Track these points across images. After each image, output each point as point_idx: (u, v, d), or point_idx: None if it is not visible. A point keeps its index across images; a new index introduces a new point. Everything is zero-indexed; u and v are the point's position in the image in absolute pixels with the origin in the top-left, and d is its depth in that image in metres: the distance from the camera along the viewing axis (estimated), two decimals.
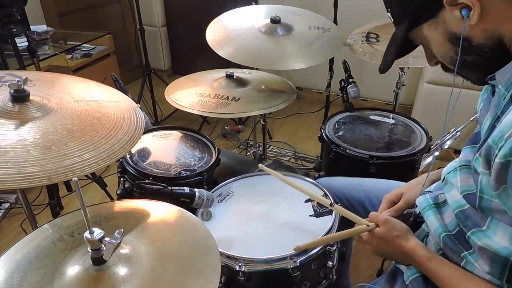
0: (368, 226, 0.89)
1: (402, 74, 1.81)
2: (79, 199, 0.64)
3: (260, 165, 1.10)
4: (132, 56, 3.47)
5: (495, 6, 0.63)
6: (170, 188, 1.04)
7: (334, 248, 0.99)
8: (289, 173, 1.23)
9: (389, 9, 0.76)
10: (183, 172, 1.23)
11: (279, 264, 0.92)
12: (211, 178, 1.28)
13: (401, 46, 0.76)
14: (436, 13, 0.68)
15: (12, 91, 0.85)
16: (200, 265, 0.72)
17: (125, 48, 3.37)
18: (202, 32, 1.51)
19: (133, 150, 1.33)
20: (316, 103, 3.07)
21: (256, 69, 1.74)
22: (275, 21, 1.51)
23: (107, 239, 0.67)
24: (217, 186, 1.20)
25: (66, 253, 0.74)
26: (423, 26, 0.72)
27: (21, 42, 1.80)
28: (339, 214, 1.05)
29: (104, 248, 0.67)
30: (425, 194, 0.93)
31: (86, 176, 1.99)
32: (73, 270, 0.70)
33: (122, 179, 1.15)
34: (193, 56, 3.34)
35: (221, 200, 1.14)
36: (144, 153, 1.34)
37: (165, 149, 1.38)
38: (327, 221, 1.03)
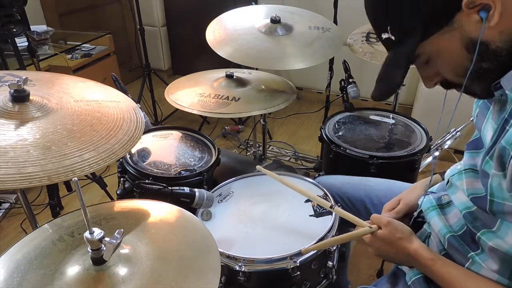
0: (370, 228, 0.88)
1: None
2: (79, 199, 0.64)
3: (258, 167, 1.09)
4: (132, 56, 3.47)
5: None
6: (170, 188, 1.04)
7: (334, 248, 0.99)
8: (288, 173, 1.23)
9: (388, 28, 0.69)
10: (183, 172, 1.23)
11: (279, 264, 0.92)
12: (211, 178, 1.28)
13: (408, 64, 0.70)
14: (451, 18, 0.63)
15: (12, 91, 0.85)
16: (200, 265, 0.72)
17: (125, 48, 3.37)
18: (202, 32, 1.51)
19: (133, 150, 1.33)
20: (316, 103, 3.08)
21: (256, 69, 1.74)
22: (275, 21, 1.51)
23: (107, 239, 0.67)
24: (217, 186, 1.20)
25: (66, 253, 0.74)
26: (435, 36, 0.65)
27: (21, 42, 1.80)
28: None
29: (104, 248, 0.67)
30: (428, 195, 0.93)
31: (86, 176, 1.99)
32: (73, 270, 0.70)
33: (122, 179, 1.15)
34: (193, 56, 3.34)
35: (221, 200, 1.14)
36: (144, 153, 1.34)
37: (165, 149, 1.38)
38: (327, 221, 1.03)
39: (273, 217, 1.07)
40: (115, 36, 2.73)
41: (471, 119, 2.16)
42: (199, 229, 0.81)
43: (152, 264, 0.70)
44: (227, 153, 1.76)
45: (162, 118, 2.89)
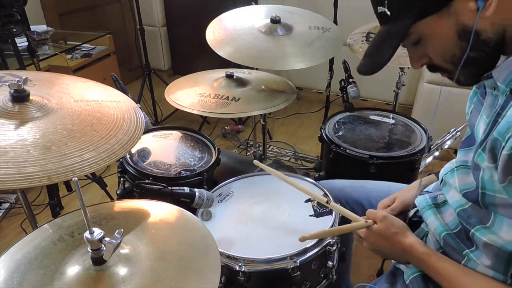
0: (366, 222, 0.89)
1: (402, 74, 1.81)
2: (79, 199, 0.64)
3: (255, 161, 1.09)
4: (132, 56, 3.47)
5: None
6: (170, 188, 1.04)
7: (334, 248, 0.99)
8: (288, 173, 1.23)
9: (385, 1, 0.68)
10: (183, 172, 1.23)
11: (279, 264, 0.92)
12: (211, 178, 1.28)
13: (400, 42, 0.70)
14: (448, 2, 0.64)
15: (12, 91, 0.85)
16: (200, 265, 0.72)
17: (125, 48, 3.37)
18: (202, 32, 1.51)
19: (133, 150, 1.33)
20: (316, 103, 3.08)
21: (256, 69, 1.74)
22: (275, 21, 1.51)
23: (107, 239, 0.67)
24: (217, 186, 1.20)
25: (66, 253, 0.74)
26: (428, 19, 0.66)
27: (21, 42, 1.80)
28: (339, 214, 1.05)
29: (104, 248, 0.67)
30: (423, 194, 0.93)
31: (86, 176, 1.99)
32: (73, 270, 0.70)
33: (122, 179, 1.15)
34: (193, 56, 3.34)
35: (221, 200, 1.14)
36: (144, 153, 1.34)
37: (165, 149, 1.38)
38: (327, 221, 1.03)
39: (273, 217, 1.07)
40: (115, 36, 2.73)
41: None
42: (199, 229, 0.81)
43: (152, 264, 0.70)
44: (227, 153, 1.76)
45: (162, 118, 2.89)
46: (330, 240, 0.98)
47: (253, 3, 1.78)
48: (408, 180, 1.16)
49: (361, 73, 0.76)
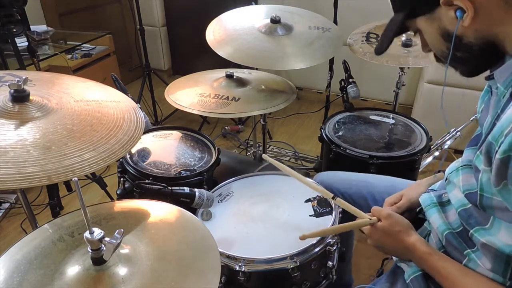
0: (370, 219, 0.89)
1: (402, 74, 1.81)
2: (79, 199, 0.64)
3: (264, 155, 1.11)
4: (132, 56, 3.47)
5: (489, 10, 0.65)
6: (170, 188, 1.04)
7: (334, 248, 0.99)
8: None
9: None
10: (183, 172, 1.23)
11: (279, 264, 0.92)
12: (211, 178, 1.28)
13: (397, 31, 0.79)
14: (433, 9, 0.71)
15: (12, 91, 0.85)
16: (200, 265, 0.72)
17: (125, 48, 3.37)
18: (202, 32, 1.51)
19: (133, 150, 1.33)
20: (316, 103, 3.07)
21: (256, 69, 1.74)
22: (275, 21, 1.51)
23: (107, 239, 0.67)
24: (217, 186, 1.20)
25: (66, 253, 0.74)
26: (419, 18, 0.74)
27: (21, 42, 1.80)
28: (339, 215, 1.05)
29: (104, 248, 0.67)
30: (428, 192, 0.93)
31: (86, 176, 1.99)
32: (73, 270, 0.70)
33: (122, 179, 1.15)
34: (193, 56, 3.34)
35: (221, 200, 1.14)
36: (144, 153, 1.34)
37: (165, 149, 1.38)
38: (327, 221, 1.03)
39: (273, 217, 1.07)
40: (115, 36, 2.73)
41: (471, 119, 2.16)
42: (199, 229, 0.81)
43: (152, 264, 0.70)
44: (227, 153, 1.76)
45: (162, 118, 2.89)
46: (330, 240, 0.98)
47: (253, 3, 1.78)
48: None
49: (375, 53, 0.86)
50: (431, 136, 1.50)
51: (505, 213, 0.68)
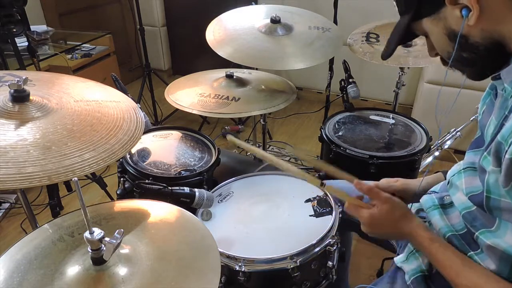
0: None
1: (402, 74, 1.81)
2: (79, 199, 0.64)
3: (228, 136, 1.06)
4: (132, 56, 3.47)
5: (495, 8, 0.64)
6: (170, 188, 1.04)
7: (334, 248, 0.99)
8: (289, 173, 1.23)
9: None
10: (183, 172, 1.23)
11: (279, 264, 0.92)
12: (211, 178, 1.28)
13: (404, 35, 0.79)
14: (438, 9, 0.70)
15: (12, 91, 0.85)
16: (200, 265, 0.72)
17: (125, 48, 3.37)
18: (202, 32, 1.51)
19: (133, 150, 1.33)
20: (316, 103, 3.07)
21: (256, 69, 1.74)
22: (275, 21, 1.51)
23: (107, 239, 0.67)
24: (217, 186, 1.20)
25: (66, 253, 0.74)
26: (425, 19, 0.73)
27: (21, 42, 1.80)
28: (339, 215, 1.05)
29: (104, 248, 0.67)
30: (430, 194, 0.93)
31: (86, 176, 1.99)
32: (73, 270, 0.70)
33: (122, 179, 1.15)
34: (193, 56, 3.34)
35: (221, 200, 1.14)
36: (144, 153, 1.34)
37: (165, 149, 1.38)
38: (327, 221, 1.03)
39: (273, 217, 1.07)
40: (115, 36, 2.73)
41: (471, 119, 2.16)
42: (199, 229, 0.81)
43: (152, 264, 0.70)
44: (227, 153, 1.75)
45: (162, 118, 2.89)
46: (330, 240, 0.98)
47: (253, 3, 1.78)
48: None
49: (382, 58, 0.85)
50: (431, 136, 1.50)
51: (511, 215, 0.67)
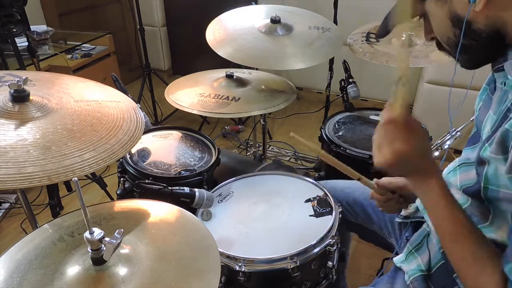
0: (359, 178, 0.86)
1: None
2: (79, 199, 0.64)
3: (291, 133, 0.99)
4: (132, 56, 3.47)
5: None
6: (170, 188, 1.04)
7: (334, 248, 0.99)
8: (289, 173, 1.23)
9: None
10: (183, 172, 1.23)
11: (279, 264, 0.92)
12: (211, 178, 1.28)
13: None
14: None
15: (12, 91, 0.85)
16: (200, 265, 0.72)
17: (125, 48, 3.37)
18: (202, 32, 1.51)
19: (133, 150, 1.33)
20: (316, 103, 3.07)
21: (256, 69, 1.74)
22: (275, 21, 1.51)
23: (107, 239, 0.67)
24: (217, 186, 1.20)
25: (66, 253, 0.74)
26: (429, 0, 0.71)
27: (21, 42, 1.80)
28: (339, 215, 1.05)
29: (104, 248, 0.67)
30: None
31: (86, 176, 1.99)
32: (73, 270, 0.70)
33: (122, 179, 1.15)
34: (193, 56, 3.34)
35: (221, 200, 1.14)
36: (144, 153, 1.34)
37: (165, 149, 1.38)
38: (327, 221, 1.03)
39: (273, 217, 1.07)
40: (115, 36, 2.73)
41: (471, 119, 2.16)
42: (199, 229, 0.81)
43: (152, 264, 0.70)
44: (227, 153, 1.75)
45: (162, 118, 2.89)
46: (330, 240, 0.98)
47: (253, 3, 1.78)
48: None
49: (378, 38, 0.81)
50: (431, 136, 1.50)
51: (510, 204, 0.66)
